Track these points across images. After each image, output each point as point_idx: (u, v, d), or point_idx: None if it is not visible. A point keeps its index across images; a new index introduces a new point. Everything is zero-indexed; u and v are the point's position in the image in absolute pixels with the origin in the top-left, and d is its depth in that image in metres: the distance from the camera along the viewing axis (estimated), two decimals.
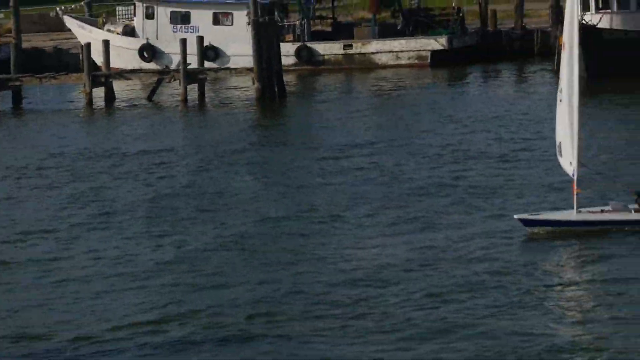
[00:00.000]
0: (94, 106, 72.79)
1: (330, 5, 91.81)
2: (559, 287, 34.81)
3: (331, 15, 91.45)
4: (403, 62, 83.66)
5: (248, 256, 39.68)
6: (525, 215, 39.58)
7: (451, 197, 46.67)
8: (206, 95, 74.04)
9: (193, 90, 73.30)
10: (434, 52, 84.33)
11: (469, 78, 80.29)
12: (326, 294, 34.91)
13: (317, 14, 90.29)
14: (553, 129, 41.64)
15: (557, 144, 40.17)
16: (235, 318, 33.64)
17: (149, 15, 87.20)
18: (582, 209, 38.68)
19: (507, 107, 67.84)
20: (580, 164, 39.21)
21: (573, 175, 38.55)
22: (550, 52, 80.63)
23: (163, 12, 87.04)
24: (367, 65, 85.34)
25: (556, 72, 75.01)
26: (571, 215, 38.32)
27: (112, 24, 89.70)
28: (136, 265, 38.15)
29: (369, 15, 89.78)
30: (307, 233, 43.15)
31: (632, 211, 38.77)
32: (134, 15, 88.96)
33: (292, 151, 58.70)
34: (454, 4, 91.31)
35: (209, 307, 34.62)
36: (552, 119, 59.27)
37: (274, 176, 53.20)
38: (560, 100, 39.63)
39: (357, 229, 43.19)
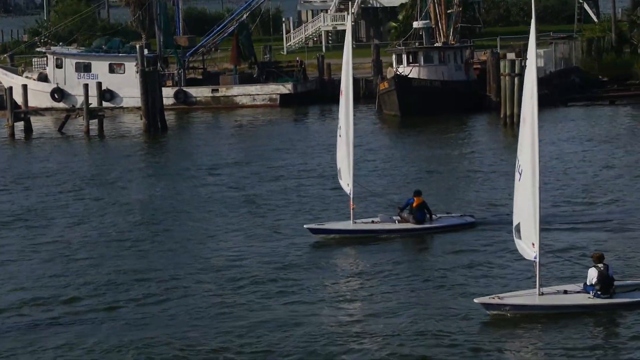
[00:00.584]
0: (15, 137, 72.21)
1: (201, 58, 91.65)
2: (334, 280, 34.55)
3: (202, 66, 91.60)
4: (258, 102, 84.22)
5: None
6: (313, 225, 39.88)
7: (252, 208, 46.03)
8: (104, 128, 73.60)
9: (94, 124, 72.73)
10: (282, 95, 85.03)
11: (309, 115, 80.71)
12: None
13: (191, 65, 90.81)
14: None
15: (338, 168, 40.76)
16: None
17: (59, 65, 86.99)
18: (358, 220, 39.32)
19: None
20: (356, 184, 39.91)
21: (350, 193, 39.33)
22: (372, 96, 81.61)
23: (69, 63, 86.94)
24: (230, 105, 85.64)
25: (377, 111, 77.64)
26: (349, 225, 39.05)
27: (29, 72, 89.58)
28: None
29: (231, 66, 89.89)
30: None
31: (396, 222, 39.58)
32: (47, 65, 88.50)
33: (171, 171, 59.11)
34: (297, 58, 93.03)
35: None
36: (365, 146, 61.25)
37: (158, 187, 53.62)
38: (340, 136, 40.39)
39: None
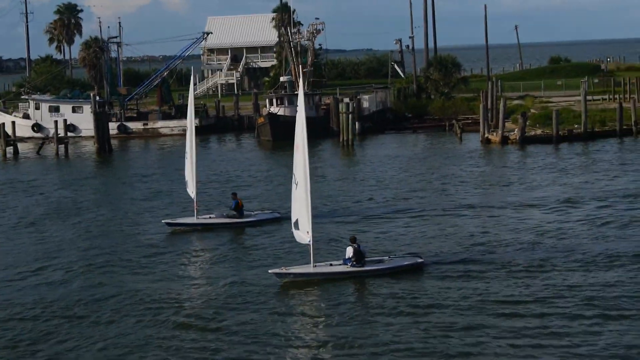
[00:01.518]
0: (7, 157, 71.96)
1: (136, 102, 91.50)
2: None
3: (136, 108, 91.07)
4: (175, 132, 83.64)
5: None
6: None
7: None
8: (69, 151, 73.34)
9: (62, 148, 72.69)
10: None
11: (210, 142, 79.86)
12: None
13: (129, 107, 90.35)
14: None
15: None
16: None
17: (37, 108, 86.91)
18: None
19: (230, 157, 67.69)
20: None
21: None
22: (253, 127, 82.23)
23: (44, 106, 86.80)
24: (155, 134, 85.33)
25: (256, 138, 78.62)
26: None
27: (16, 112, 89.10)
28: None
29: (157, 108, 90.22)
30: None
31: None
32: (29, 108, 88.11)
33: (114, 178, 59.84)
34: (201, 102, 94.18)
35: None
36: (249, 161, 60.96)
37: (106, 189, 54.20)
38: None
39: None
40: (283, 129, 74.30)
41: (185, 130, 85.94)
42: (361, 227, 38.59)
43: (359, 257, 30.50)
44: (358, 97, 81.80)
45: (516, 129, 67.35)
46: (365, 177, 54.07)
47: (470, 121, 78.89)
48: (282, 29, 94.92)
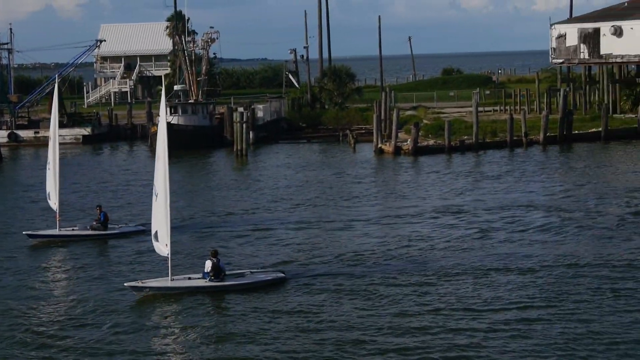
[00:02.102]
0: None
1: (27, 110, 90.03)
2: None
3: (27, 115, 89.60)
4: (67, 141, 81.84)
5: None
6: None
7: None
8: None
9: None
10: (84, 136, 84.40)
11: (102, 151, 79.00)
12: None
13: (20, 114, 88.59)
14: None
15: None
16: None
17: None
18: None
19: (121, 166, 67.00)
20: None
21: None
22: (146, 136, 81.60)
23: None
24: (47, 142, 78.92)
25: (149, 148, 77.84)
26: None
27: None
28: None
29: (48, 116, 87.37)
30: None
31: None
32: None
33: (3, 182, 58.14)
34: (94, 110, 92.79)
35: None
36: (141, 171, 60.34)
37: None
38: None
39: None
40: (176, 137, 74.21)
41: (77, 139, 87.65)
42: (236, 239, 38.21)
43: (217, 272, 29.84)
44: (252, 107, 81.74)
45: (409, 140, 68.14)
46: (256, 187, 54.07)
47: (363, 131, 79.54)
48: (176, 37, 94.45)
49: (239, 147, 70.95)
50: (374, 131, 70.24)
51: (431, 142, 69.59)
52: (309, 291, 29.62)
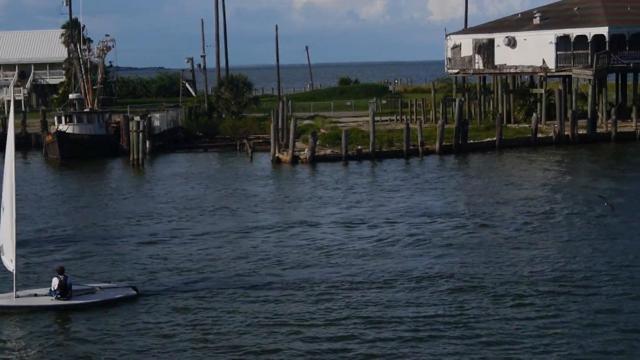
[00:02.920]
0: None
1: None
2: None
3: None
4: None
5: None
6: None
7: None
8: None
9: None
10: None
11: None
12: None
13: None
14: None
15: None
16: None
17: None
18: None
19: (18, 175, 66.12)
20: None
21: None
22: (40, 145, 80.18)
23: None
24: None
25: (44, 156, 76.61)
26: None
27: None
28: None
29: None
30: None
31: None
32: None
33: None
34: None
35: None
36: (35, 180, 59.04)
37: None
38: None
39: None
40: (72, 147, 73.34)
41: None
42: (101, 251, 37.29)
43: (64, 289, 28.76)
44: (149, 116, 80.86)
45: (306, 149, 68.23)
46: (148, 197, 53.35)
47: (261, 141, 79.33)
48: (72, 45, 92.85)
49: (135, 157, 70.06)
50: (272, 140, 70.11)
51: (328, 151, 69.75)
52: (162, 308, 28.48)
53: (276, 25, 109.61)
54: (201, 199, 51.79)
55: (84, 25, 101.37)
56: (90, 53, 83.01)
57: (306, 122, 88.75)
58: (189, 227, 42.80)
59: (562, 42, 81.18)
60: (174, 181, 60.10)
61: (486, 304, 28.26)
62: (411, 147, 69.30)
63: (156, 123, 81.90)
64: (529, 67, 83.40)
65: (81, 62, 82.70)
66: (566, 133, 74.09)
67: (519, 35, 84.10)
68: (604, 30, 79.12)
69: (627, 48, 79.87)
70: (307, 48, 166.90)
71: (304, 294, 29.98)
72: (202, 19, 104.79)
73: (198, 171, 65.64)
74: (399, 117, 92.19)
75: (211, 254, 36.69)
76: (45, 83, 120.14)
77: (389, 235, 39.44)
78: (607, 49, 78.81)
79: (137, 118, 77.15)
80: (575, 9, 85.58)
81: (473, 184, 54.61)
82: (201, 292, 30.30)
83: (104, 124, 79.50)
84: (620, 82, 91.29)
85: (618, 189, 50.92)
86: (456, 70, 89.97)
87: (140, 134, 70.59)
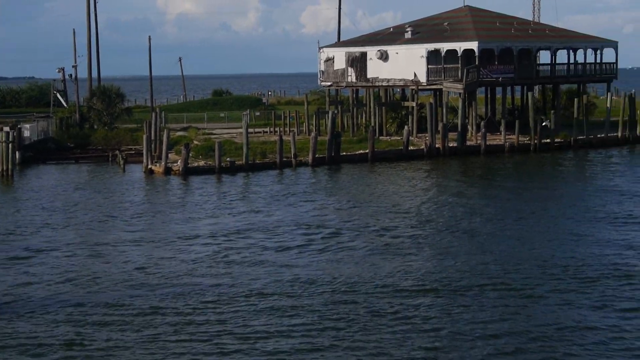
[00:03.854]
0: None
1: None
2: None
3: None
4: None
5: None
6: None
7: None
8: None
9: None
10: None
11: None
12: None
13: None
14: None
15: None
16: None
17: None
18: None
19: None
20: None
21: None
22: None
23: None
24: None
25: None
26: None
27: None
28: None
29: None
30: None
31: None
32: None
33: None
34: None
35: None
36: None
37: None
38: None
39: None
40: None
41: None
42: None
43: None
44: (19, 126, 78.99)
45: (179, 160, 67.83)
46: (16, 210, 52.11)
47: (133, 152, 78.50)
48: None
49: (4, 168, 68.33)
50: (144, 152, 69.48)
51: (201, 163, 69.48)
52: (23, 325, 27.73)
53: (149, 36, 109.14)
54: (71, 211, 50.93)
55: None
56: None
57: (179, 133, 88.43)
58: (58, 239, 41.99)
59: (433, 56, 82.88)
60: (44, 193, 58.89)
61: (356, 313, 28.59)
62: (284, 159, 69.60)
63: (26, 134, 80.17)
64: (400, 80, 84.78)
65: None
66: (437, 146, 75.49)
67: (391, 49, 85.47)
68: (473, 45, 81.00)
69: (496, 62, 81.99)
70: (180, 59, 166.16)
71: (175, 306, 29.81)
72: (74, 29, 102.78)
73: (69, 183, 64.55)
74: (272, 129, 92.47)
75: (78, 267, 36.10)
76: None
77: (261, 246, 39.48)
78: (476, 63, 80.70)
79: (6, 128, 74.87)
80: (445, 23, 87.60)
81: (345, 196, 55.05)
82: (68, 307, 29.66)
83: None
84: (489, 95, 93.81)
85: (486, 200, 52.14)
86: (329, 83, 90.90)
87: (10, 145, 68.89)
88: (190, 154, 69.04)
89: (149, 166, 68.08)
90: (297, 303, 29.97)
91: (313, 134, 73.90)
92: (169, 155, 69.45)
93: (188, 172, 66.33)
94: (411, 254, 37.52)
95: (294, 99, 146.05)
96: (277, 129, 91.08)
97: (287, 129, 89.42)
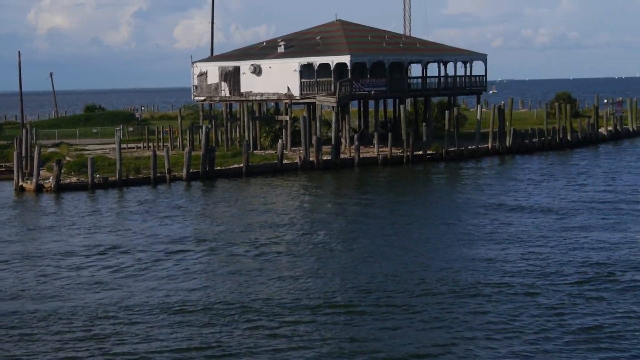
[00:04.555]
0: None
1: None
2: None
3: None
4: None
5: None
6: None
7: None
8: None
9: None
10: None
11: None
12: None
13: None
14: None
15: None
16: None
17: None
18: None
19: None
20: None
21: None
22: None
23: None
24: None
25: None
26: None
27: None
28: None
29: None
30: None
31: None
32: None
33: None
34: None
35: None
36: None
37: None
38: None
39: None
40: None
41: None
42: None
43: None
44: None
45: (51, 177, 66.81)
46: None
47: (4, 169, 76.81)
48: None
49: None
50: (15, 169, 68.20)
51: (74, 179, 68.56)
52: None
53: (19, 52, 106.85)
54: None
55: None
56: None
57: (51, 149, 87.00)
58: None
59: (306, 70, 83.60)
60: None
61: (230, 328, 28.77)
62: (158, 174, 69.24)
63: None
64: (274, 94, 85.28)
65: None
66: (311, 159, 76.16)
67: (264, 63, 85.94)
68: (346, 59, 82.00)
69: (369, 76, 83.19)
70: (51, 75, 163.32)
71: (43, 325, 29.49)
72: None
73: None
74: (146, 144, 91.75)
75: None
76: None
77: (130, 264, 39.25)
78: (349, 76, 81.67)
79: None
80: (318, 37, 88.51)
81: (219, 210, 55.13)
82: None
83: None
84: (362, 109, 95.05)
85: (360, 214, 52.94)
86: (203, 98, 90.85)
87: None
88: (63, 171, 68.05)
89: (20, 183, 66.83)
90: (160, 321, 29.96)
91: (187, 149, 73.63)
92: (41, 172, 68.29)
93: (60, 189, 65.35)
94: (284, 270, 37.73)
95: (167, 114, 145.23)
96: (150, 144, 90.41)
97: (161, 144, 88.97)
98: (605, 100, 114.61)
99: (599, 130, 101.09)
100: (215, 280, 35.84)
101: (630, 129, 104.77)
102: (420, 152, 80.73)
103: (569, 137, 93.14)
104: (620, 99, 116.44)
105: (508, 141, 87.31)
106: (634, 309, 29.91)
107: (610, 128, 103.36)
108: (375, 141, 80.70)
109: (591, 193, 58.79)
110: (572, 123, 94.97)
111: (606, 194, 58.40)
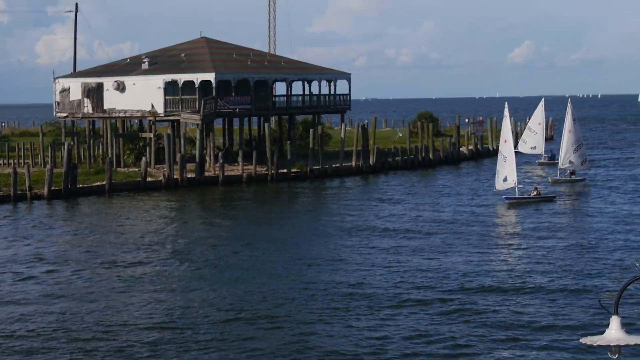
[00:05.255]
0: None
1: None
2: None
3: None
4: None
5: None
6: None
7: None
8: None
9: None
10: None
11: None
12: None
13: None
14: None
15: None
16: None
17: None
18: None
19: None
20: None
21: None
22: None
23: None
24: None
25: None
26: None
27: None
28: None
29: None
30: None
31: None
32: None
33: None
34: None
35: None
36: None
37: None
38: None
39: None
40: None
41: None
42: None
43: None
44: None
45: None
46: None
47: None
48: None
49: None
50: None
51: None
52: None
53: None
54: None
55: None
56: None
57: None
58: None
59: (170, 87, 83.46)
60: None
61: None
62: (19, 192, 68.03)
63: None
64: (138, 111, 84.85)
65: None
66: (175, 177, 76.04)
67: (128, 80, 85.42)
68: (210, 76, 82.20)
69: (233, 94, 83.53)
70: None
71: None
72: None
73: None
74: (6, 161, 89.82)
75: None
76: None
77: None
78: (213, 94, 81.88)
79: None
80: (183, 54, 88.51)
81: (81, 229, 54.60)
82: None
83: None
84: (227, 126, 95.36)
85: (222, 232, 53.34)
86: (65, 114, 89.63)
87: None
88: None
89: None
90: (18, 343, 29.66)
91: (49, 166, 72.43)
92: None
93: None
94: (146, 289, 37.74)
95: (29, 131, 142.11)
96: (11, 161, 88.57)
97: (22, 161, 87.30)
98: (467, 120, 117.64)
99: (460, 149, 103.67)
100: (70, 302, 35.53)
101: (491, 148, 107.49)
102: (285, 171, 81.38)
103: (431, 156, 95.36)
104: (481, 118, 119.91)
105: (372, 160, 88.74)
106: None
107: (471, 147, 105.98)
108: (240, 159, 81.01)
109: (449, 213, 60.37)
110: (434, 142, 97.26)
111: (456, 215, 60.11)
